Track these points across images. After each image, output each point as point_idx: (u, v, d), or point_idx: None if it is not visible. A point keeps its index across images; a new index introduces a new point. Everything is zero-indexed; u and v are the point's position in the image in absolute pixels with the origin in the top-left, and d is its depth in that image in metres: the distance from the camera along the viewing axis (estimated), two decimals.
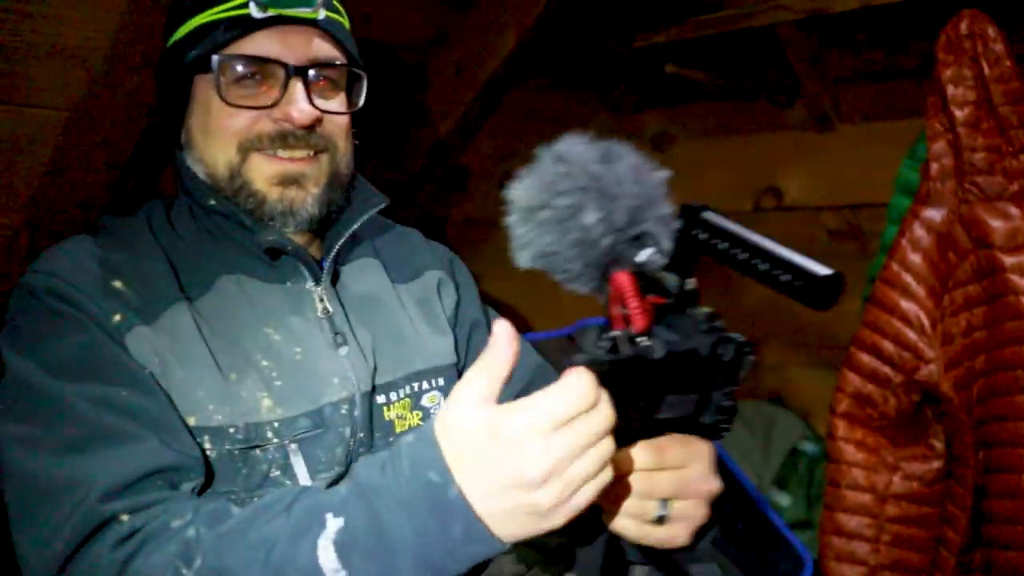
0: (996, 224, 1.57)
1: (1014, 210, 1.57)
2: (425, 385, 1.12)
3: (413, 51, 2.11)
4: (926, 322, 1.64)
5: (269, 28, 1.01)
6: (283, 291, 1.06)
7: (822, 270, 0.68)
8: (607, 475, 0.73)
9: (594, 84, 2.56)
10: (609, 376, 0.71)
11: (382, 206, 1.14)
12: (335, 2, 1.08)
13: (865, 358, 1.70)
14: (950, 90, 1.62)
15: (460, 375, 1.17)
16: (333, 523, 0.75)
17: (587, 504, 0.72)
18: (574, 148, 0.75)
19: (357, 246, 1.17)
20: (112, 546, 0.82)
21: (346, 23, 1.11)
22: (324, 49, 1.05)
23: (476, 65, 2.11)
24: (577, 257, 0.74)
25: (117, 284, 0.98)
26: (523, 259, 0.77)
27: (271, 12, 1.00)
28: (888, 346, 1.68)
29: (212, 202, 1.04)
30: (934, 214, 1.65)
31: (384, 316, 1.13)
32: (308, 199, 1.04)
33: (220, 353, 0.99)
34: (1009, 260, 1.55)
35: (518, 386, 1.20)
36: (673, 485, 0.82)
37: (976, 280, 1.60)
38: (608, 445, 0.72)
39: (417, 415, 1.10)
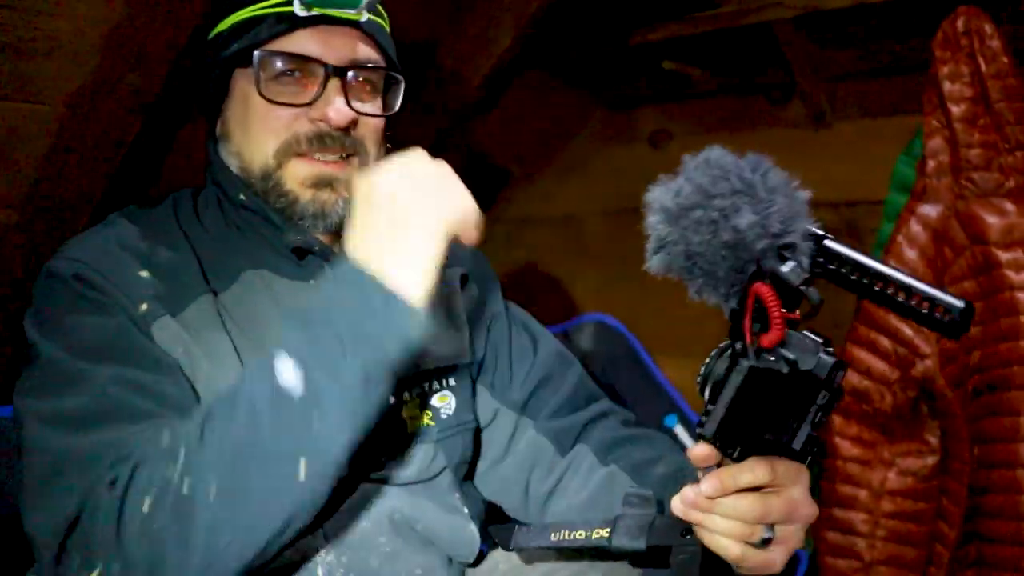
0: (992, 220, 1.58)
1: (1010, 206, 1.58)
2: (436, 385, 1.12)
3: (409, 49, 2.11)
4: None
5: (312, 27, 1.02)
6: (307, 289, 1.06)
7: (958, 302, 0.70)
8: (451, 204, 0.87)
9: (592, 81, 2.55)
10: (752, 385, 0.71)
11: None
12: (378, 5, 1.09)
13: (861, 354, 1.71)
14: (947, 86, 1.63)
15: (478, 368, 1.19)
16: (287, 339, 0.83)
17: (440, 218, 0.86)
18: (725, 156, 0.75)
19: None
20: (108, 486, 0.81)
21: (387, 26, 1.11)
22: (364, 51, 1.05)
23: (473, 63, 2.11)
24: (725, 260, 0.73)
25: (144, 274, 0.97)
26: (659, 261, 0.75)
27: (315, 11, 1.00)
28: (884, 342, 1.68)
29: (242, 197, 1.04)
30: (930, 210, 1.66)
31: None
32: (340, 202, 1.04)
33: (243, 348, 0.99)
34: (1005, 256, 1.56)
35: (536, 377, 1.20)
36: (786, 508, 0.80)
37: (972, 276, 1.60)
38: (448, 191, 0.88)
39: (428, 415, 1.10)
